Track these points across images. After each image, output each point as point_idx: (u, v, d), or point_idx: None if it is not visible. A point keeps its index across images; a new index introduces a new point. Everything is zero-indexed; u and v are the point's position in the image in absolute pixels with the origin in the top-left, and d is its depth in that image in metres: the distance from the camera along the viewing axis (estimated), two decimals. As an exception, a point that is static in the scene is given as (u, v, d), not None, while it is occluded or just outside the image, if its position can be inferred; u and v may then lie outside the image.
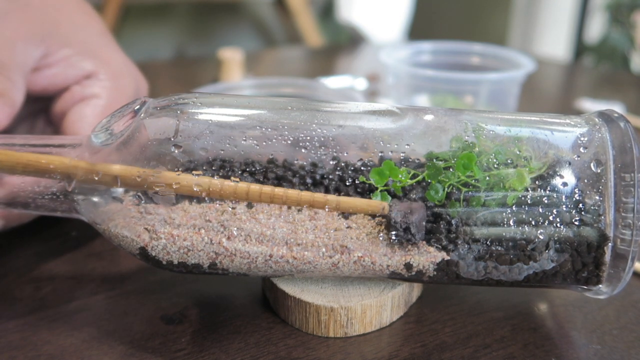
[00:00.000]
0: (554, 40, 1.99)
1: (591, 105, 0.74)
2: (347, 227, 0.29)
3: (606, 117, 0.30)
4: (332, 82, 0.77)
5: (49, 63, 0.38)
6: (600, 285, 0.30)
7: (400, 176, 0.28)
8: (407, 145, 0.30)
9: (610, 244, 0.28)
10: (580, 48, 1.88)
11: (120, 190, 0.30)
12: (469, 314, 0.33)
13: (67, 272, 0.36)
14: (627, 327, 0.32)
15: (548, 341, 0.31)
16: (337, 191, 0.30)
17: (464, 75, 0.56)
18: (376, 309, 0.31)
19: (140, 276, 0.36)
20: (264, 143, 0.30)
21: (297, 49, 1.30)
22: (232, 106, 0.31)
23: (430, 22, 2.11)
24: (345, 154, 0.30)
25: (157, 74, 0.89)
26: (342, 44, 1.48)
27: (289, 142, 0.30)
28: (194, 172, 0.29)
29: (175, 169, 0.29)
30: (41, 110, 0.42)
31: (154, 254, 0.30)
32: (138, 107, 0.31)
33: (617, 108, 0.67)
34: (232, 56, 0.72)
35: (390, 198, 0.29)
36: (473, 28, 2.07)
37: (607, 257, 0.28)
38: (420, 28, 1.93)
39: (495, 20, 2.06)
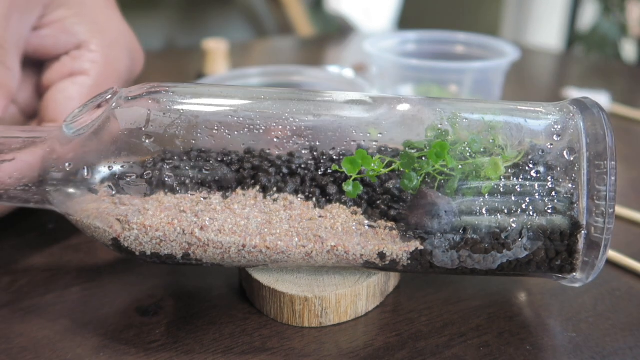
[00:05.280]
0: (547, 30, 1.99)
1: (577, 94, 0.74)
2: (321, 217, 0.29)
3: (581, 105, 0.30)
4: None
5: (43, 23, 0.38)
6: (574, 274, 0.30)
7: (373, 165, 0.28)
8: (380, 134, 0.30)
9: (583, 231, 0.28)
10: (573, 37, 1.87)
11: (95, 180, 0.29)
12: (446, 303, 0.33)
13: (43, 264, 0.36)
14: (603, 315, 0.32)
15: (524, 329, 0.31)
16: (313, 180, 0.30)
17: (447, 64, 0.56)
18: (351, 298, 0.31)
19: (117, 268, 0.36)
20: (237, 132, 0.30)
21: (286, 39, 1.29)
22: (204, 96, 0.31)
23: (420, 12, 2.10)
24: (319, 144, 0.30)
25: (145, 66, 0.88)
26: (331, 34, 1.47)
27: (262, 131, 0.30)
28: (166, 161, 0.29)
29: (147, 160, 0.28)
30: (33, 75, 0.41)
31: (126, 245, 0.29)
32: (109, 96, 0.30)
33: (602, 97, 0.67)
34: (216, 47, 0.71)
35: (362, 187, 0.29)
36: (465, 18, 2.06)
37: (581, 245, 0.28)
38: (410, 18, 1.93)
39: (487, 10, 2.06)
